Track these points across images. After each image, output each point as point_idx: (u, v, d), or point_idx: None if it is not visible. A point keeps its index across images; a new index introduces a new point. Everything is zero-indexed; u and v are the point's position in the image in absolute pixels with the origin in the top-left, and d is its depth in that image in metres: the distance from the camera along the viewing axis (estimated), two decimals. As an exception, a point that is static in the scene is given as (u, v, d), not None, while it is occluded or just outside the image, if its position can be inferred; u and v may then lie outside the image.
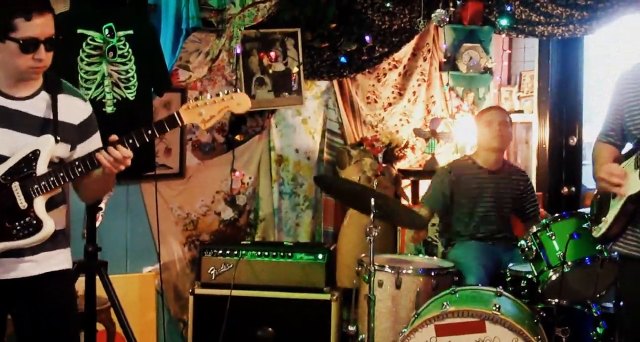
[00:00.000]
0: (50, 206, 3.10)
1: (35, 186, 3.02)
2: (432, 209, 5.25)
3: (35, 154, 3.03)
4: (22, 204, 3.01)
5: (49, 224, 3.04)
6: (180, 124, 3.11)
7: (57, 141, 3.06)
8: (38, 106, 3.10)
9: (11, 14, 2.93)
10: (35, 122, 3.08)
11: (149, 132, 3.08)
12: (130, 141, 3.06)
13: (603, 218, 3.46)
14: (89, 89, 4.30)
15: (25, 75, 3.06)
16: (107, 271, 4.29)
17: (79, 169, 3.06)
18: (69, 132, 3.13)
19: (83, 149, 3.16)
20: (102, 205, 4.98)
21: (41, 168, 3.03)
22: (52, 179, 3.03)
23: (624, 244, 3.39)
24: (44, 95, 3.12)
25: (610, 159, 3.47)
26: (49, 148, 3.05)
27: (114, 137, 3.07)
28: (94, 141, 3.21)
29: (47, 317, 3.16)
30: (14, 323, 3.22)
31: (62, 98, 3.14)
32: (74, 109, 3.17)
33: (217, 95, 3.15)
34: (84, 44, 4.28)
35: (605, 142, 3.56)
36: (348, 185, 5.07)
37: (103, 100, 4.33)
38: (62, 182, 3.06)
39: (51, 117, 3.09)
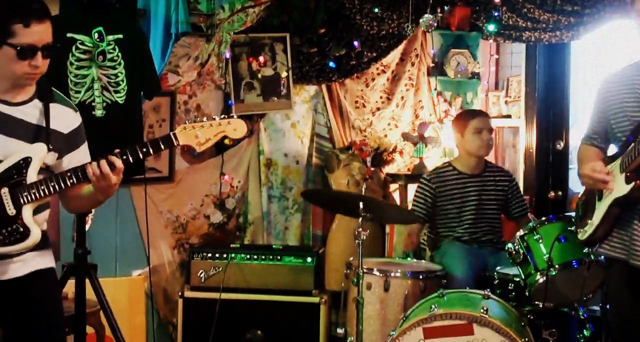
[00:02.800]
0: (35, 211, 3.10)
1: (25, 194, 3.01)
2: (422, 221, 5.24)
3: (26, 162, 3.03)
4: (11, 210, 3.01)
5: (36, 232, 3.03)
6: (175, 145, 3.12)
7: (49, 149, 3.07)
8: (31, 113, 3.10)
9: (10, 20, 2.94)
10: (27, 129, 3.08)
11: (144, 149, 3.07)
12: (125, 157, 3.05)
13: (589, 221, 3.49)
14: (79, 92, 4.32)
15: (20, 81, 3.05)
16: (97, 274, 4.32)
17: (71, 180, 3.04)
18: (58, 141, 3.13)
19: (71, 159, 3.17)
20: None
21: (31, 176, 3.03)
22: (42, 187, 3.02)
23: (609, 247, 3.42)
24: (37, 103, 3.12)
25: (595, 159, 3.51)
26: (41, 156, 3.05)
27: (114, 158, 3.06)
28: (82, 151, 3.21)
29: (34, 319, 3.15)
30: (2, 326, 3.21)
31: (53, 107, 3.13)
32: (64, 119, 3.17)
33: (214, 119, 3.14)
34: (73, 48, 4.31)
35: (589, 145, 3.62)
36: (335, 194, 5.13)
37: (93, 104, 4.35)
38: (53, 192, 3.05)
39: (44, 124, 3.09)
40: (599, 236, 3.45)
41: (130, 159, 3.06)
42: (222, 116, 3.17)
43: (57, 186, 3.04)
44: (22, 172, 3.02)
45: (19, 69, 2.99)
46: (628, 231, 3.34)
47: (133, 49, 4.54)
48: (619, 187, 3.30)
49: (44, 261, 3.20)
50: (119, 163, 3.03)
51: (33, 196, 3.02)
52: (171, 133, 3.12)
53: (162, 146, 3.11)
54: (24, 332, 3.16)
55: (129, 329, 4.99)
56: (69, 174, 3.05)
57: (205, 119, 3.15)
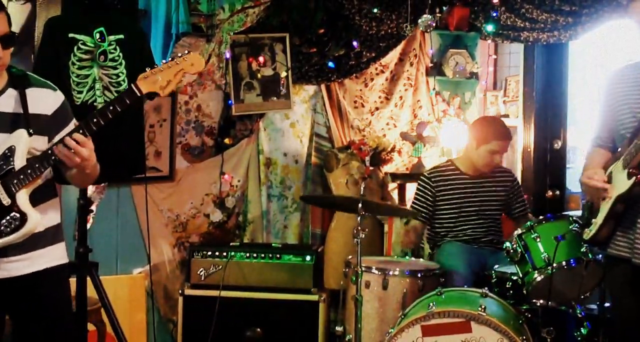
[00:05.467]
0: (37, 200, 3.13)
1: (15, 181, 3.04)
2: (422, 218, 5.23)
3: (11, 150, 3.05)
4: (6, 200, 3.03)
5: (34, 217, 3.06)
6: (138, 94, 3.12)
7: (30, 134, 3.07)
8: (6, 103, 3.11)
9: None
10: (6, 119, 3.10)
11: (111, 108, 3.08)
12: (95, 120, 3.05)
13: (593, 220, 3.50)
14: (81, 92, 4.33)
15: None
16: (98, 272, 4.33)
17: (53, 157, 3.06)
18: (42, 124, 3.15)
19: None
20: (93, 207, 5.03)
21: (18, 163, 3.05)
22: (29, 170, 3.05)
23: (614, 245, 3.44)
24: (11, 92, 3.13)
25: (600, 165, 3.52)
26: (24, 142, 3.06)
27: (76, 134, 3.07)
28: (72, 128, 3.19)
29: (43, 316, 3.19)
30: (12, 323, 3.24)
31: (30, 92, 3.15)
32: (44, 100, 3.18)
33: (171, 59, 3.16)
34: (75, 48, 4.31)
35: (597, 147, 3.62)
36: (334, 198, 5.16)
37: (94, 104, 4.36)
38: (39, 172, 3.07)
39: (21, 111, 3.10)
40: (603, 235, 3.46)
41: (102, 121, 3.07)
42: (179, 54, 3.17)
43: (41, 166, 3.07)
44: (9, 162, 3.04)
45: None
46: (632, 230, 3.35)
47: (134, 49, 4.54)
48: (622, 184, 3.31)
49: (53, 258, 3.23)
50: (80, 137, 3.02)
51: (23, 182, 3.04)
52: (132, 84, 3.13)
53: (128, 100, 3.12)
54: (32, 328, 3.20)
55: (129, 326, 5.02)
56: (49, 151, 3.07)
57: (162, 60, 3.17)
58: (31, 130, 3.08)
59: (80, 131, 3.05)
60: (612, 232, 3.44)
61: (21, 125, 3.09)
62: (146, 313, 5.37)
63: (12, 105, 3.12)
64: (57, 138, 3.15)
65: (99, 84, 4.39)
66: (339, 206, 5.03)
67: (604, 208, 3.42)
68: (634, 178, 3.25)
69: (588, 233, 3.54)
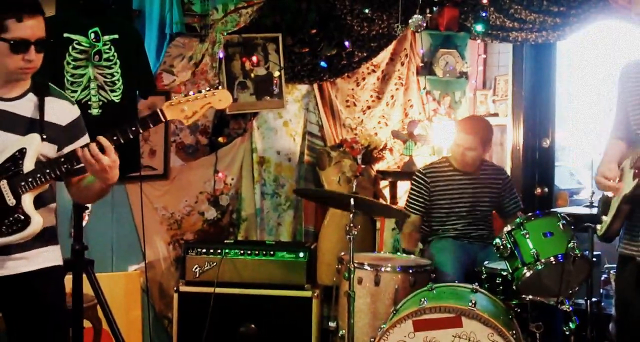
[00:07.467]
0: (39, 204, 3.14)
1: (23, 183, 3.05)
2: (418, 214, 5.29)
3: (21, 152, 3.06)
4: (11, 201, 3.05)
5: (37, 220, 3.07)
6: (163, 121, 3.15)
7: (42, 139, 3.09)
8: (25, 107, 3.13)
9: (3, 15, 2.99)
10: (22, 122, 3.12)
11: (133, 128, 3.11)
12: (115, 138, 3.07)
13: (604, 217, 3.51)
14: (75, 91, 4.35)
15: (14, 76, 3.10)
16: (94, 269, 4.36)
17: (65, 166, 3.08)
18: (55, 132, 3.16)
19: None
20: (89, 205, 5.06)
21: (28, 166, 3.06)
22: (38, 175, 3.06)
23: (623, 244, 3.45)
24: (32, 97, 3.15)
25: (616, 158, 3.48)
26: (35, 146, 3.08)
27: (101, 137, 3.09)
28: (82, 142, 3.19)
29: (37, 315, 3.19)
30: (5, 321, 3.25)
31: (49, 100, 3.17)
32: (60, 111, 3.20)
33: (199, 91, 3.19)
34: (70, 48, 4.33)
35: (615, 138, 3.58)
36: (327, 193, 5.19)
37: (89, 103, 4.38)
38: (48, 178, 3.09)
39: (38, 117, 3.12)
40: (613, 232, 3.46)
41: (121, 139, 3.09)
42: (207, 88, 3.21)
43: (52, 172, 3.08)
44: (18, 163, 3.06)
45: (12, 64, 3.04)
46: (638, 228, 3.37)
47: (128, 49, 4.56)
48: (628, 183, 3.29)
49: (50, 258, 3.25)
50: (106, 142, 3.04)
51: (30, 185, 3.06)
52: (158, 109, 3.15)
53: (151, 123, 3.15)
54: (26, 328, 3.21)
55: (125, 323, 5.02)
56: (62, 159, 3.10)
57: (191, 92, 3.19)
58: (44, 136, 3.11)
59: (98, 147, 3.06)
60: (621, 229, 3.44)
61: (35, 130, 3.11)
62: (142, 310, 5.40)
63: (30, 110, 3.14)
64: (66, 150, 3.16)
65: (94, 83, 4.41)
66: (332, 201, 5.06)
67: (613, 206, 3.41)
68: (637, 180, 3.23)
69: (600, 230, 3.54)
